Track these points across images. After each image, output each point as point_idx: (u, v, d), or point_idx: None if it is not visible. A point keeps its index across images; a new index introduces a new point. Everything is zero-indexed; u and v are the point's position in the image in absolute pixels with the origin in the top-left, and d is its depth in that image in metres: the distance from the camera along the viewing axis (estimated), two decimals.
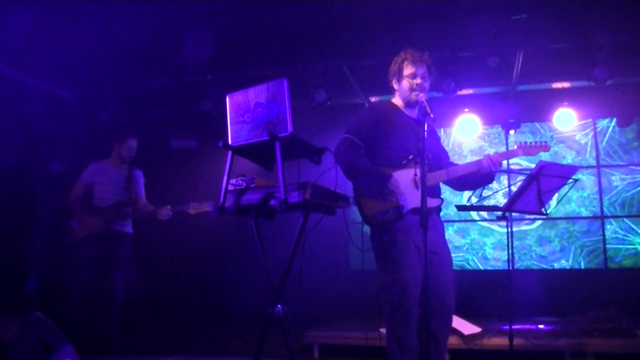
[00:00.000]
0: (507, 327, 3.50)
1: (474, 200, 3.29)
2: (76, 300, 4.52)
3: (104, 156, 4.84)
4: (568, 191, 3.49)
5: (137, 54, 5.61)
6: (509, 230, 3.54)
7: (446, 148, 3.26)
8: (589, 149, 6.31)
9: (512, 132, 6.06)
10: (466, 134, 6.43)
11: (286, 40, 5.42)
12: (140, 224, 4.94)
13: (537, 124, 6.47)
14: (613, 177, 6.22)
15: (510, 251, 3.58)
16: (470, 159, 6.19)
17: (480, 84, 5.66)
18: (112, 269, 4.54)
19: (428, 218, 2.44)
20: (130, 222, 4.77)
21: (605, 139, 6.28)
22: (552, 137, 6.23)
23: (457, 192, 3.66)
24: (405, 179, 2.85)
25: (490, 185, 3.12)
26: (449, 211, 6.36)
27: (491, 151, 3.26)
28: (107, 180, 4.71)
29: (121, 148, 4.73)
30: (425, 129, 2.61)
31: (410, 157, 2.89)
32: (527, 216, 6.17)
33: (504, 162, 2.99)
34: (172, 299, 6.72)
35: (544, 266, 6.24)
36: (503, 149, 6.33)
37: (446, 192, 3.76)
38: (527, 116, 6.22)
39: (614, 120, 6.17)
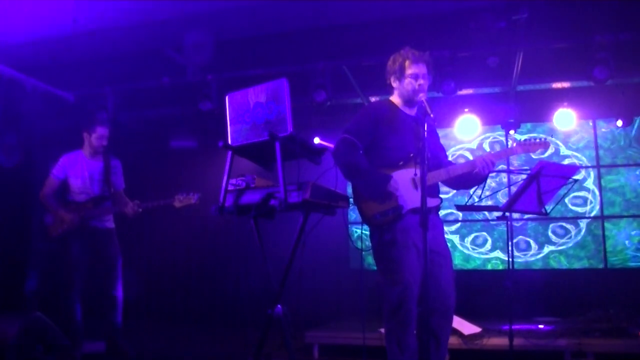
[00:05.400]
0: (507, 327, 3.50)
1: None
2: (77, 306, 4.26)
3: (76, 147, 4.52)
4: (567, 191, 3.49)
5: (137, 54, 5.61)
6: (509, 230, 3.54)
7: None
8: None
9: (512, 132, 6.04)
10: (466, 134, 6.42)
11: (286, 40, 5.41)
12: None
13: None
14: None
15: (510, 251, 3.58)
16: None
17: (480, 84, 5.64)
18: (108, 270, 4.33)
19: (428, 218, 2.44)
20: (112, 217, 4.50)
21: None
22: (552, 135, 6.22)
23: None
24: (404, 179, 2.85)
25: (486, 184, 3.11)
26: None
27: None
28: (82, 173, 4.41)
29: (91, 138, 4.41)
30: (425, 128, 2.60)
31: (410, 156, 2.88)
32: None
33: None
34: (171, 299, 6.72)
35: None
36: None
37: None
38: (527, 116, 6.20)
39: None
